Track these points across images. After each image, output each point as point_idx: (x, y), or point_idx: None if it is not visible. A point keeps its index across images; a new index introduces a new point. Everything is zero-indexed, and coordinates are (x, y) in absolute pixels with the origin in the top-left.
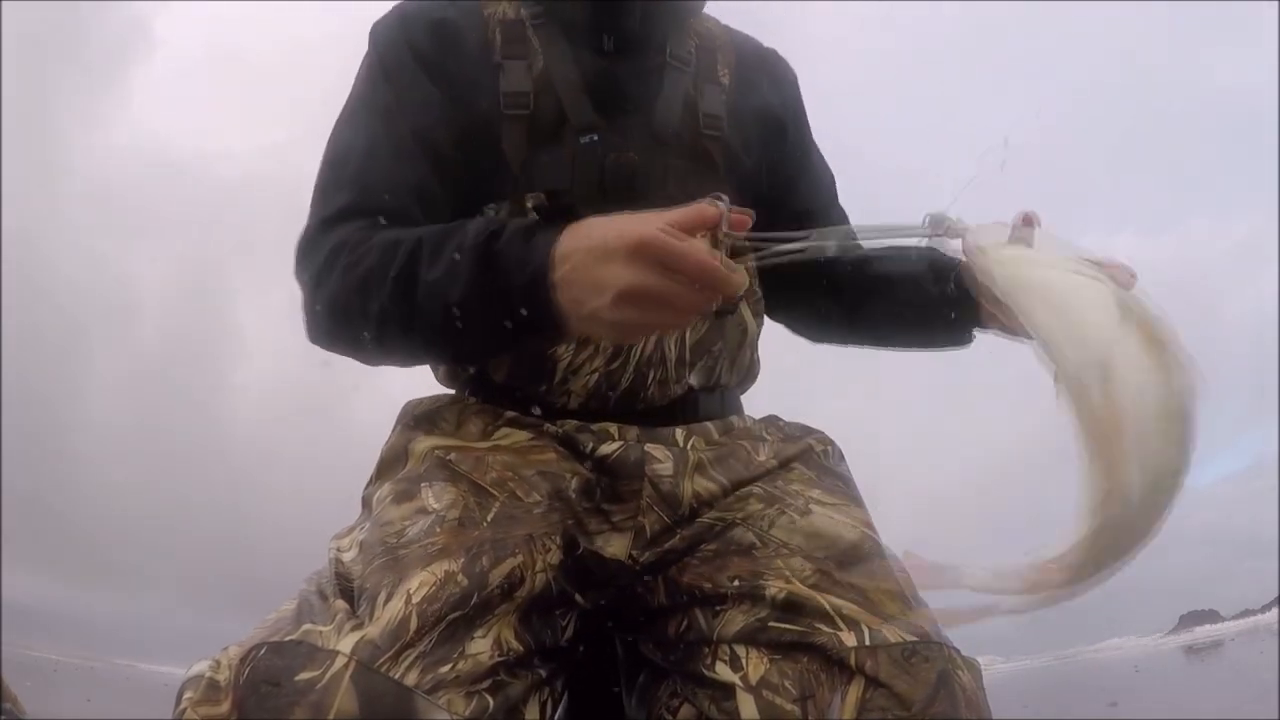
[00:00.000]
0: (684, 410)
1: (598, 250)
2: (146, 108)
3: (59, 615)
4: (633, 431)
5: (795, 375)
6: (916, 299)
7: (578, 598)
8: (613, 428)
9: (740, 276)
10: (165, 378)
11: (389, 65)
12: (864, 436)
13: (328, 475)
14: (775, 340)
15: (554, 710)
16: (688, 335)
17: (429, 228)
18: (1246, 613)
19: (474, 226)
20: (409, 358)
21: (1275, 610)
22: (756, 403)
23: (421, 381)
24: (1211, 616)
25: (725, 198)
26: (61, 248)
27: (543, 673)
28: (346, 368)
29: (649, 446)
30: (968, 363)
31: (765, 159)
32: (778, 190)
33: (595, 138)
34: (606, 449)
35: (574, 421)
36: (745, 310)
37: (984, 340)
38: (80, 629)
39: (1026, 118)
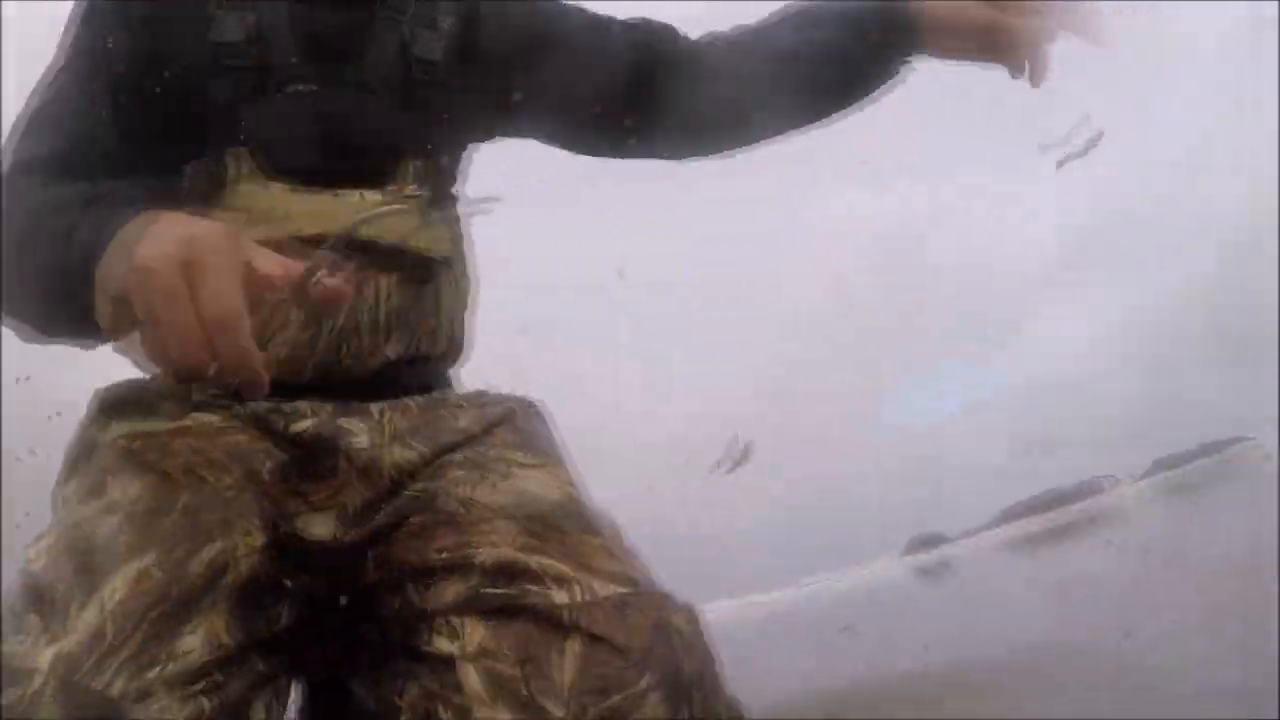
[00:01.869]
0: (382, 384)
1: (165, 230)
2: None
3: None
4: (327, 408)
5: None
6: (840, 57)
7: (286, 583)
8: (305, 405)
9: (259, 378)
10: None
11: (95, 10)
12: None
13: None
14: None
15: (282, 708)
16: (383, 304)
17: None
18: (968, 533)
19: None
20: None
21: (998, 530)
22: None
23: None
24: (938, 539)
25: (334, 259)
26: None
27: (263, 668)
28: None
29: (343, 420)
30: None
31: (518, 84)
32: (561, 97)
33: (301, 88)
34: (299, 426)
35: (266, 403)
36: (443, 280)
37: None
38: None
39: None
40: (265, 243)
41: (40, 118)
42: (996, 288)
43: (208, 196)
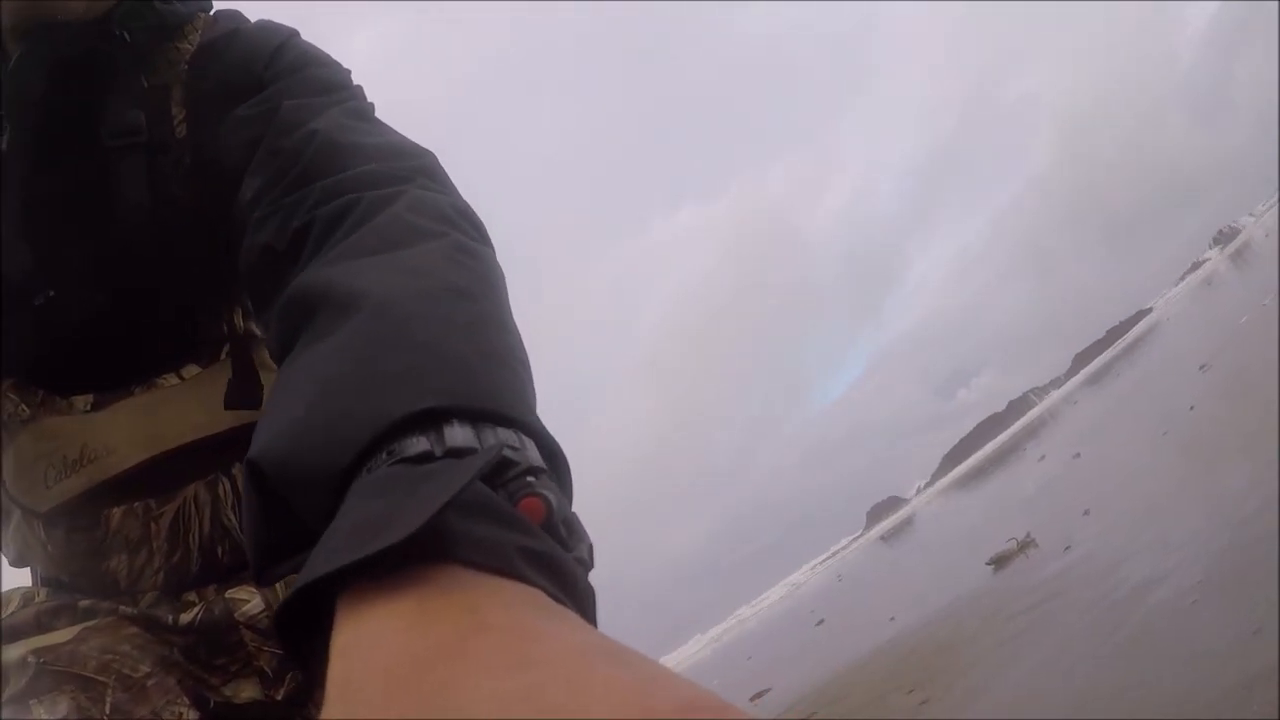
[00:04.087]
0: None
1: None
2: None
3: None
4: (211, 589)
5: None
6: None
7: None
8: (191, 594)
9: None
10: None
11: None
12: None
13: None
14: None
15: None
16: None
17: None
18: (920, 487)
19: None
20: None
21: (947, 475)
22: None
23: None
24: (896, 502)
25: None
26: None
27: None
28: None
29: (230, 594)
30: None
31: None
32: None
33: (49, 296)
34: (187, 616)
35: (150, 594)
36: None
37: None
38: None
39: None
40: (87, 495)
41: None
42: (861, 251)
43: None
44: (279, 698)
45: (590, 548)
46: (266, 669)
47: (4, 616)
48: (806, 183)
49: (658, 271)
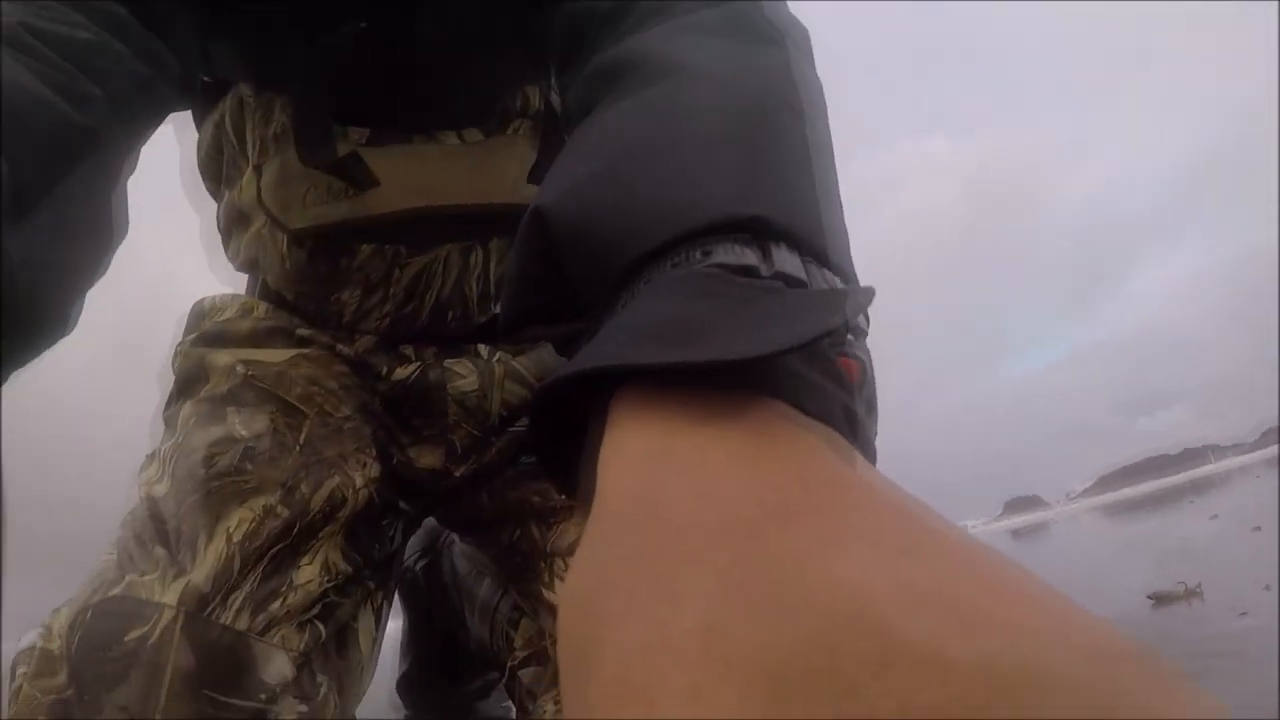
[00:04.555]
0: (490, 332)
1: None
2: None
3: None
4: (430, 351)
5: None
6: None
7: (402, 504)
8: (409, 349)
9: None
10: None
11: None
12: None
13: (137, 418)
14: None
15: (387, 612)
16: (492, 268)
17: None
18: (1067, 496)
19: None
20: None
21: (1098, 495)
22: None
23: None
24: (1035, 501)
25: None
26: None
27: (371, 584)
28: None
29: (450, 363)
30: None
31: None
32: None
33: (364, 28)
34: (402, 372)
35: (368, 339)
36: None
37: None
38: None
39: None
40: (343, 225)
41: None
42: (1095, 239)
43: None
44: (456, 474)
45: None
46: (458, 444)
47: (219, 319)
48: (1060, 151)
49: (891, 194)
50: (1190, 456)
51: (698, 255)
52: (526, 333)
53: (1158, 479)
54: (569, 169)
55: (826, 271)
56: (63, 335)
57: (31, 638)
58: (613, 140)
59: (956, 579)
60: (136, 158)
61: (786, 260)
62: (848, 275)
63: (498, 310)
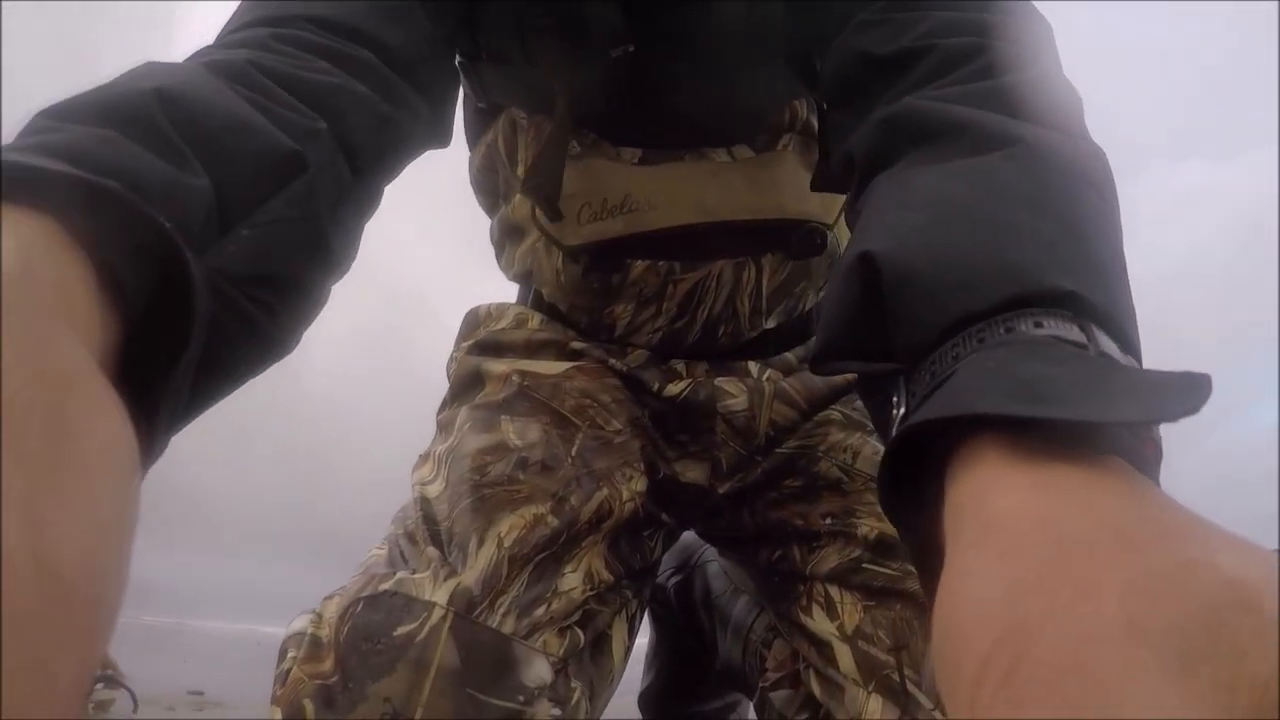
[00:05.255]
0: (761, 347)
1: None
2: None
3: (145, 580)
4: (701, 367)
5: None
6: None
7: (664, 516)
8: (680, 365)
9: None
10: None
11: None
12: None
13: (398, 419)
14: None
15: (640, 622)
16: (765, 283)
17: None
18: None
19: None
20: None
21: None
22: None
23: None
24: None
25: None
26: None
27: (629, 593)
28: (405, 306)
29: (720, 381)
30: None
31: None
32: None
33: (631, 49)
34: (674, 389)
35: (640, 353)
36: (839, 234)
37: None
38: (169, 592)
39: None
40: (618, 242)
41: None
42: None
43: (546, 177)
44: (720, 491)
45: None
46: (723, 461)
47: (494, 329)
48: None
49: (1140, 224)
50: None
51: (1030, 325)
52: (839, 366)
53: None
54: (895, 219)
55: (1130, 357)
56: (279, 355)
57: (303, 623)
58: (935, 198)
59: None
60: (378, 195)
61: (1106, 343)
62: (1140, 359)
63: (770, 325)
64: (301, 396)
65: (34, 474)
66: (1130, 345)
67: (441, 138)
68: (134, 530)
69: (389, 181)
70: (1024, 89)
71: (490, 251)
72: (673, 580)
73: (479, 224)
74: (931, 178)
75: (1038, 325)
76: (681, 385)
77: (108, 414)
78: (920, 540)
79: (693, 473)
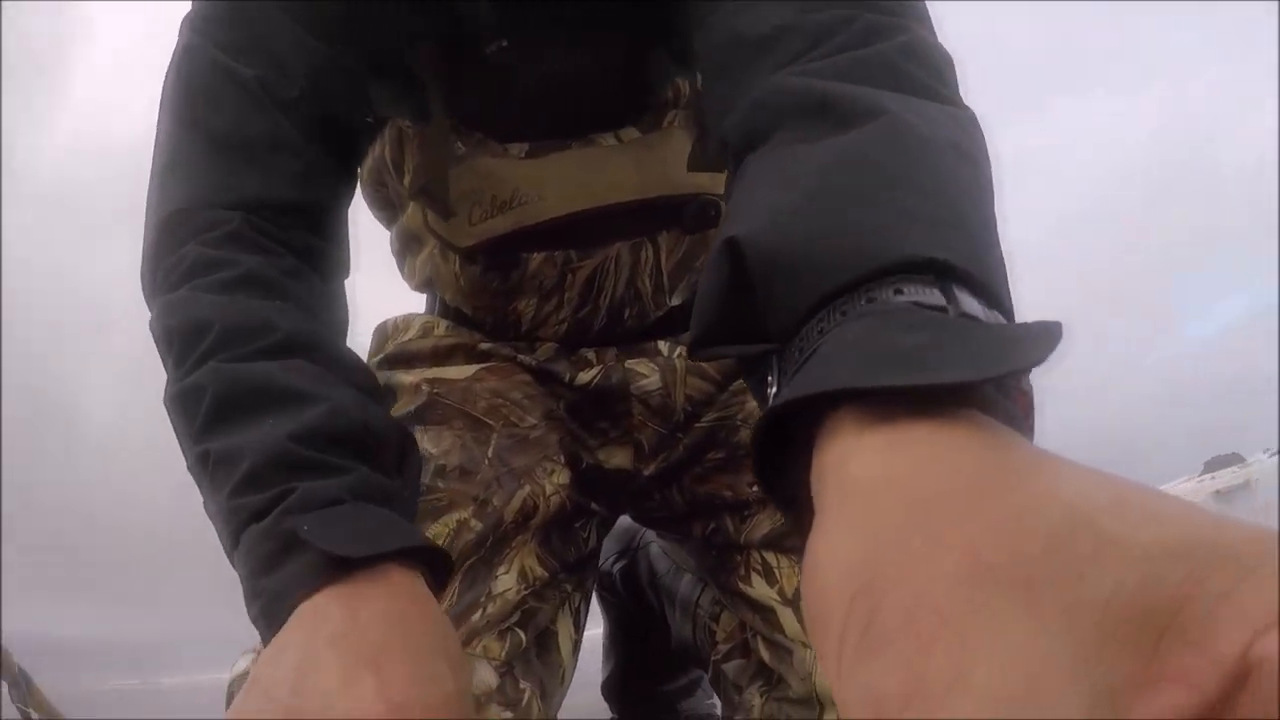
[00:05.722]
0: (668, 326)
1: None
2: (89, 103)
3: (109, 644)
4: (611, 353)
5: None
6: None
7: (594, 506)
8: (590, 353)
9: None
10: (154, 382)
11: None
12: None
13: None
14: None
15: (585, 614)
16: (664, 261)
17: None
18: (1269, 451)
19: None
20: None
21: None
22: None
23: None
24: (1234, 459)
25: None
26: (20, 252)
27: (569, 587)
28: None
29: (631, 363)
30: None
31: None
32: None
33: (507, 44)
34: (585, 377)
35: (549, 345)
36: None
37: None
38: (132, 653)
39: None
40: (510, 237)
41: (183, 153)
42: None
43: (431, 180)
44: (646, 472)
45: None
46: (644, 442)
47: (401, 340)
48: (1235, 101)
49: (1055, 160)
50: None
51: (890, 293)
52: (715, 351)
53: None
54: (762, 199)
55: (997, 313)
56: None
57: (246, 663)
58: (802, 177)
59: (1142, 494)
60: (346, 249)
61: (972, 304)
62: (1011, 315)
63: (674, 303)
64: None
65: None
66: (998, 301)
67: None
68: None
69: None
70: (892, 56)
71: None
72: (617, 566)
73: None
74: (797, 157)
75: (898, 292)
76: (592, 372)
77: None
78: (797, 511)
79: (616, 458)
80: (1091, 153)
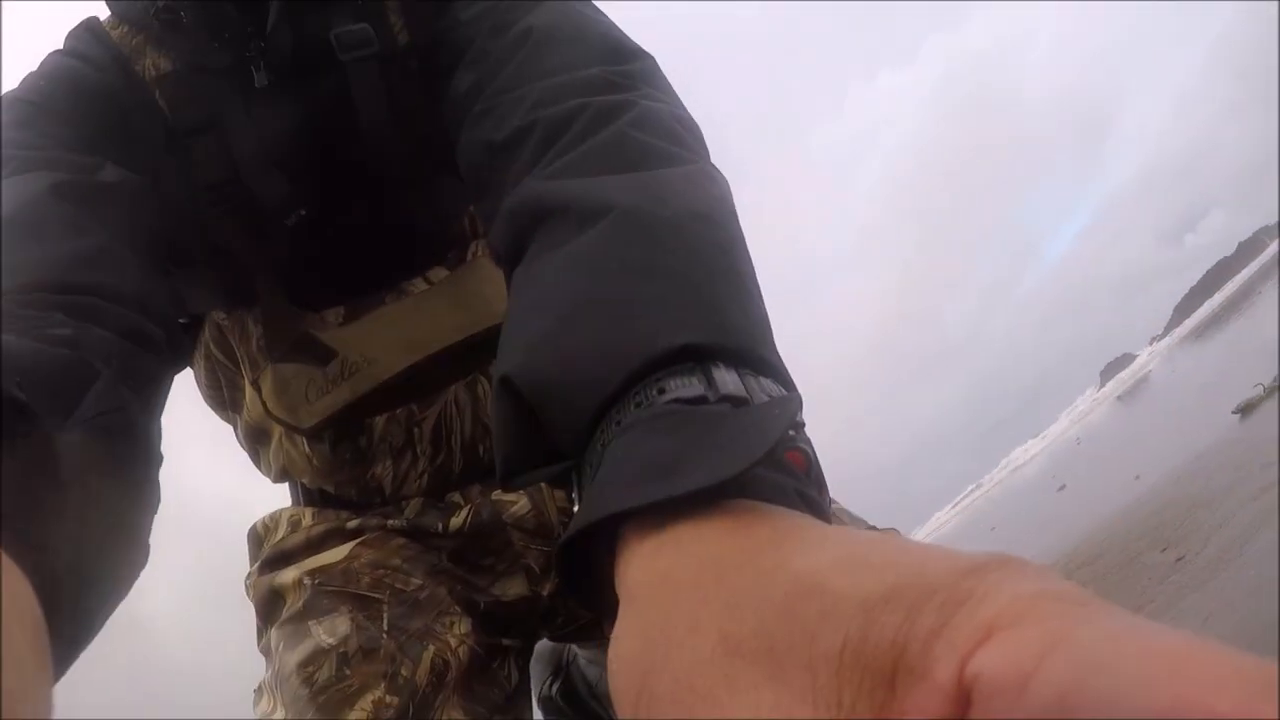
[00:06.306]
0: None
1: None
2: None
3: None
4: (475, 490)
5: None
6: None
7: (505, 641)
8: (456, 495)
9: None
10: None
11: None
12: None
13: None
14: None
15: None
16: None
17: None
18: (1153, 340)
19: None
20: None
21: (1179, 326)
22: None
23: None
24: (1127, 359)
25: None
26: None
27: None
28: (236, 540)
29: (497, 495)
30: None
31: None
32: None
33: (304, 214)
34: (457, 521)
35: (415, 502)
36: None
37: None
38: None
39: None
40: (351, 407)
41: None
42: (1072, 99)
43: (292, 343)
44: (544, 593)
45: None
46: (534, 566)
47: (274, 541)
48: (1006, 35)
49: (865, 144)
50: (1247, 249)
51: (654, 393)
52: (522, 479)
53: (1227, 286)
54: (520, 329)
55: (762, 379)
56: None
57: None
58: (554, 295)
59: (867, 546)
60: (157, 434)
61: (727, 380)
62: (776, 369)
63: None
64: (156, 671)
65: None
66: (759, 361)
67: (182, 356)
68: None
69: (159, 412)
70: (623, 134)
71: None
72: (555, 687)
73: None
74: (545, 272)
75: (661, 391)
76: (463, 514)
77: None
78: (605, 609)
79: (513, 588)
80: (894, 125)
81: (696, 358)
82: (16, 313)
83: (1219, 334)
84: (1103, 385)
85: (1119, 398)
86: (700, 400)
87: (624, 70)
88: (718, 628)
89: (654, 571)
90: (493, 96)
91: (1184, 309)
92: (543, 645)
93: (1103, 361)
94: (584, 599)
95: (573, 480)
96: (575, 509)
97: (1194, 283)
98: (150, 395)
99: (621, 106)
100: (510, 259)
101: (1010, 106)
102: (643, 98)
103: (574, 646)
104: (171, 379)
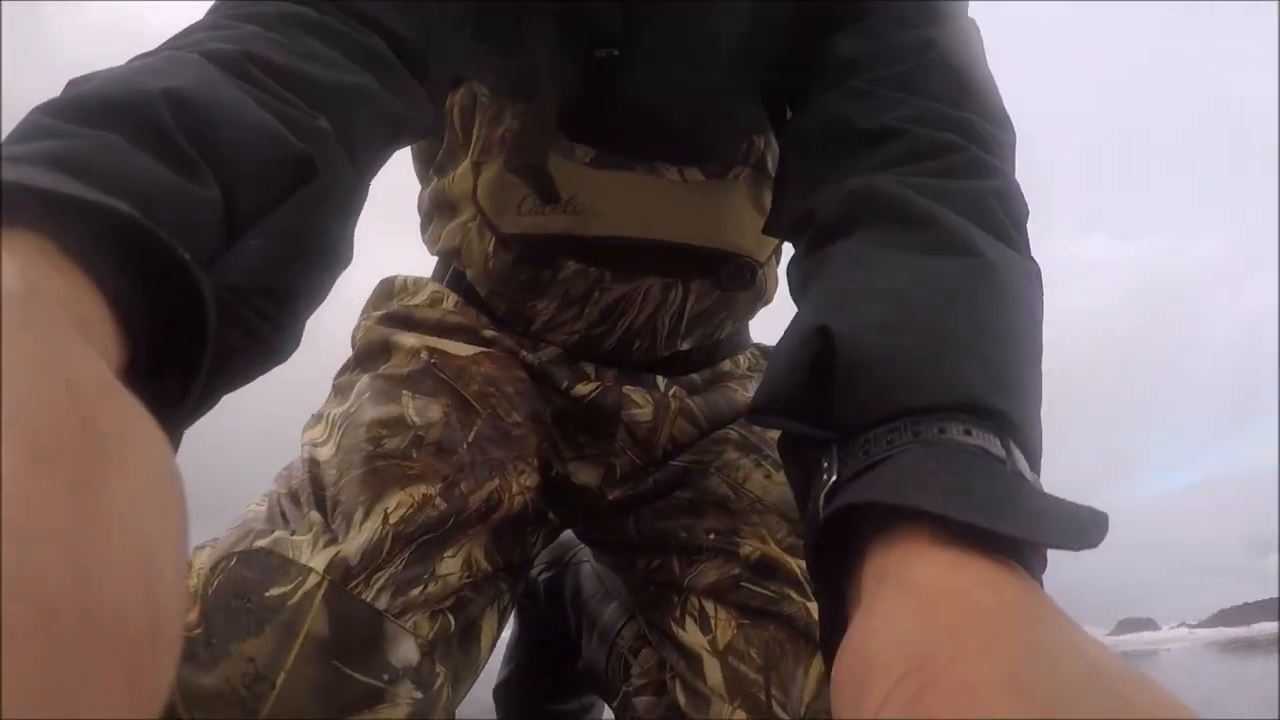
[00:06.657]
0: (672, 364)
1: None
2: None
3: None
4: (611, 374)
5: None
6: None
7: (550, 515)
8: (590, 368)
9: None
10: None
11: None
12: None
13: (291, 379)
14: None
15: (509, 615)
16: (688, 309)
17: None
18: (1183, 625)
19: None
20: None
21: (1215, 628)
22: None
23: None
24: (1148, 624)
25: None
26: None
27: (503, 585)
28: None
29: (627, 389)
30: None
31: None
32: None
33: (616, 53)
34: (582, 389)
35: (552, 349)
36: (770, 273)
37: None
38: None
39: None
40: (554, 239)
41: None
42: (1254, 364)
43: (532, 162)
44: (610, 497)
45: None
46: (618, 468)
47: (407, 303)
48: (1228, 264)
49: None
50: None
51: (959, 430)
52: (776, 422)
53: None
54: (856, 301)
55: (1035, 474)
56: (279, 361)
57: None
58: (905, 293)
59: (1140, 680)
60: (366, 190)
61: (1020, 461)
62: (1039, 471)
63: (684, 348)
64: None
65: (75, 500)
66: (1036, 462)
67: (437, 126)
68: (185, 553)
69: (374, 176)
70: (987, 196)
71: (396, 221)
72: (544, 575)
73: (382, 192)
74: (895, 268)
75: (966, 433)
76: (590, 386)
77: (144, 428)
78: (830, 586)
79: (585, 475)
80: (1084, 294)
81: (1000, 425)
82: (278, 24)
83: (1247, 660)
84: (1113, 632)
85: (1126, 653)
86: (1001, 461)
87: (999, 136)
88: (1013, 663)
89: (947, 580)
90: (874, 83)
91: (1228, 617)
92: (562, 535)
93: (1126, 613)
94: (809, 543)
95: (831, 453)
96: (826, 480)
97: (1251, 600)
98: (382, 161)
99: (991, 170)
100: (831, 231)
101: (1190, 330)
102: (1008, 172)
103: (584, 550)
104: (414, 141)
